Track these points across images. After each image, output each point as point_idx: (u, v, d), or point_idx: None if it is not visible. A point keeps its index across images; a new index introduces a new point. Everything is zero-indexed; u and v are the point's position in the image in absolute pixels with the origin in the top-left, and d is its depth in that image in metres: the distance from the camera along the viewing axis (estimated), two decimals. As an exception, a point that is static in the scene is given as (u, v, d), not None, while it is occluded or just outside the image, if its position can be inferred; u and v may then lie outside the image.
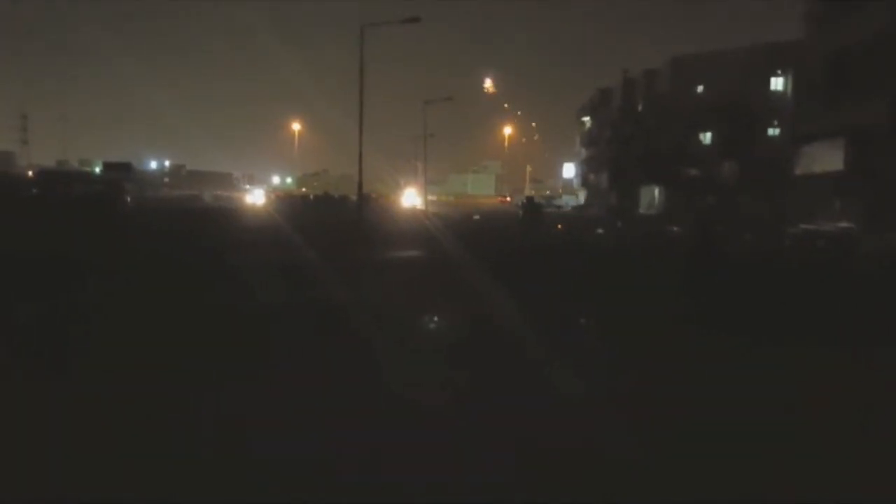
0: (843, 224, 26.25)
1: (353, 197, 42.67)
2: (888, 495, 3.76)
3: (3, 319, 7.55)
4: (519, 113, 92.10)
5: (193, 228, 25.94)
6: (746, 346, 7.11)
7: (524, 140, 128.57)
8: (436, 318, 8.53)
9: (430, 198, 62.72)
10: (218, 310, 8.67)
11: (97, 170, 62.25)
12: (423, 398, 5.11)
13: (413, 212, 52.56)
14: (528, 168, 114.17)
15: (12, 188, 37.12)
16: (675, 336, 7.66)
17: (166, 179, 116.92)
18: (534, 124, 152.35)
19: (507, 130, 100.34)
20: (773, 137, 45.52)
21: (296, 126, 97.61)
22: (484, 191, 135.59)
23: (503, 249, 20.09)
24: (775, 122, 45.55)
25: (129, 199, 39.56)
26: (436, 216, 42.52)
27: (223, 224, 29.73)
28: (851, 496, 3.71)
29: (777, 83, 47.35)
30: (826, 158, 30.68)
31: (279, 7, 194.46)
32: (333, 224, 29.86)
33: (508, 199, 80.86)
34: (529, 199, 35.83)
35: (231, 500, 3.52)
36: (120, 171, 49.74)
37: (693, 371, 6.20)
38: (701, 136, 49.92)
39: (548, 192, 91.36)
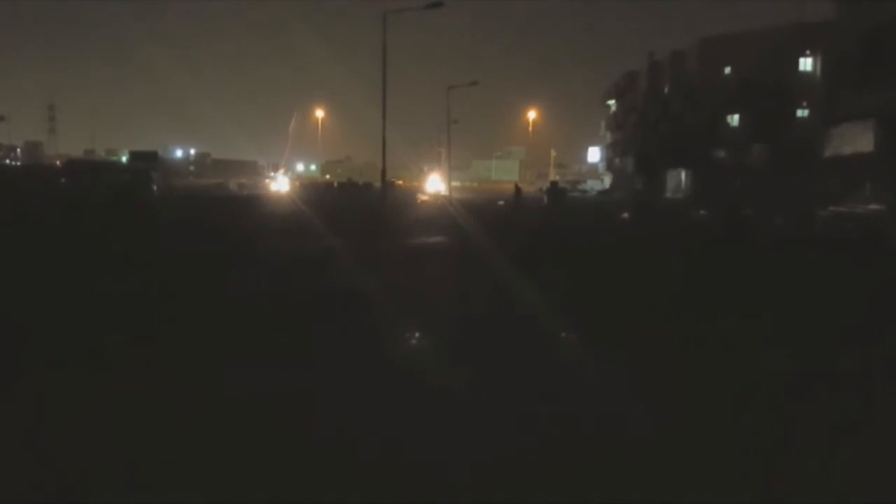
0: (874, 206, 25.80)
1: (378, 184, 42.70)
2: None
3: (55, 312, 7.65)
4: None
5: (219, 217, 26.14)
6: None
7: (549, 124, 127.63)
8: (453, 312, 8.49)
9: (453, 184, 62.57)
10: (250, 299, 8.73)
11: (123, 159, 62.99)
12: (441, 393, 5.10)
13: (437, 198, 52.51)
14: (553, 152, 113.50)
15: (41, 178, 37.73)
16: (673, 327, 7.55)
17: (192, 168, 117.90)
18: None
19: (532, 115, 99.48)
20: (802, 119, 44.77)
21: (319, 113, 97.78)
22: (508, 176, 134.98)
23: (527, 237, 20.00)
24: (805, 104, 44.79)
25: (155, 187, 40.05)
26: (459, 202, 42.45)
27: (248, 212, 29.94)
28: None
29: (806, 64, 46.55)
30: (856, 140, 30.18)
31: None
32: (357, 211, 29.94)
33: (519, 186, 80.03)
34: (553, 184, 35.73)
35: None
36: (146, 161, 50.34)
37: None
38: (729, 118, 49.25)
39: (569, 178, 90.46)
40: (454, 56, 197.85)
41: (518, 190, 34.88)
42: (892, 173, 27.23)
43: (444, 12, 34.66)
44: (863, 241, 18.46)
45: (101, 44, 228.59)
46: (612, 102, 79.23)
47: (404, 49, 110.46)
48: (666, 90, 58.16)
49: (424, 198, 51.88)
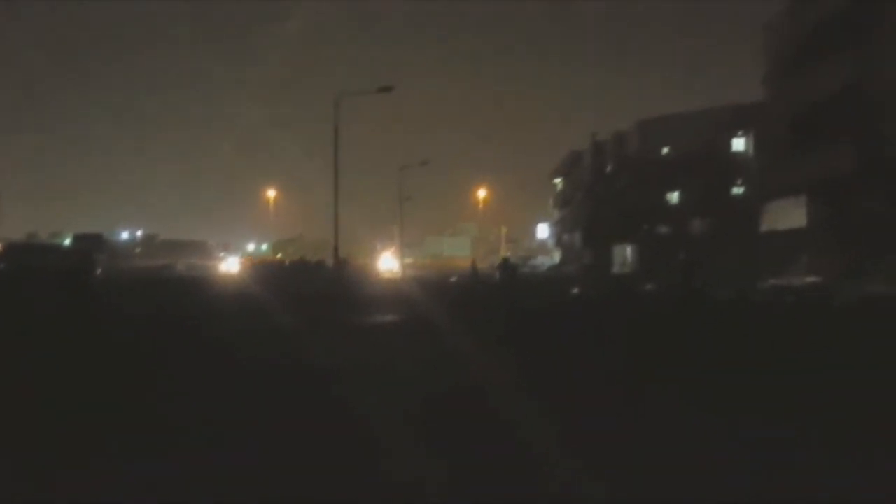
0: (811, 278, 26.88)
1: (330, 262, 42.75)
2: None
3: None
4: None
5: (166, 299, 25.83)
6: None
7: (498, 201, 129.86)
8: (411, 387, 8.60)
9: (406, 261, 62.94)
10: (192, 379, 8.71)
11: (67, 242, 61.82)
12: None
13: (390, 275, 52.70)
14: (503, 229, 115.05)
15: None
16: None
17: (138, 249, 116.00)
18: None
19: (482, 193, 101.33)
20: (738, 195, 46.64)
21: (271, 193, 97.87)
22: (461, 252, 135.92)
23: (481, 312, 20.25)
24: (740, 181, 46.75)
25: (99, 270, 39.34)
26: (413, 280, 42.67)
27: (196, 293, 29.64)
28: None
29: (740, 143, 48.76)
30: (790, 215, 31.57)
31: (254, 74, 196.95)
32: (309, 290, 29.88)
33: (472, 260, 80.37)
34: (505, 260, 36.20)
35: None
36: (90, 243, 49.46)
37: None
38: (669, 194, 51.01)
39: (520, 253, 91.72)
40: (406, 136, 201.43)
41: (475, 266, 35.64)
42: (825, 247, 28.52)
43: (394, 95, 35.69)
44: (802, 312, 19.21)
45: (46, 123, 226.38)
46: (558, 180, 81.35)
47: (357, 129, 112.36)
48: (609, 168, 60.13)
49: (385, 273, 52.18)
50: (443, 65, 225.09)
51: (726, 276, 26.44)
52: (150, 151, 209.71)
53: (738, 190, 47.07)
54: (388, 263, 65.48)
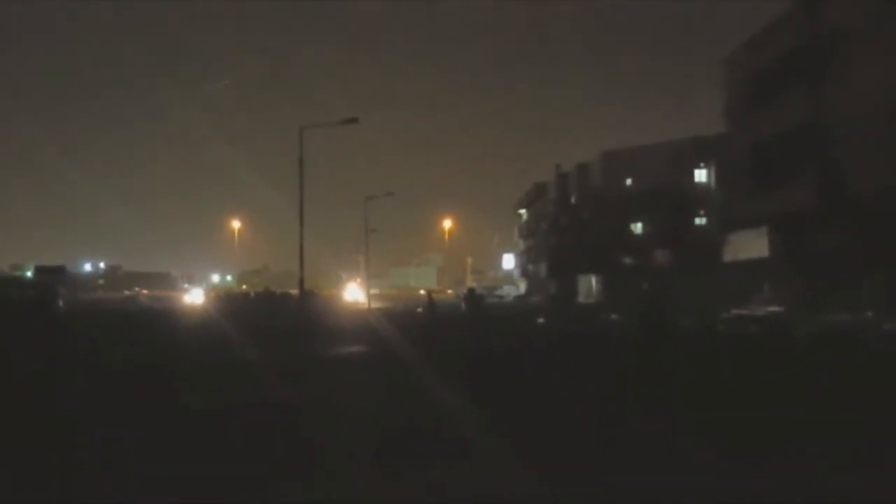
0: (773, 308, 27.29)
1: (295, 293, 42.35)
2: None
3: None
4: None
5: (128, 330, 25.38)
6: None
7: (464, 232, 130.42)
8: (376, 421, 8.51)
9: (372, 291, 62.70)
10: (152, 417, 8.52)
11: (28, 274, 60.73)
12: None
13: (356, 306, 52.39)
14: (469, 260, 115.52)
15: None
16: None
17: (101, 281, 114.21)
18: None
19: (447, 224, 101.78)
20: (701, 226, 47.37)
21: (236, 224, 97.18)
22: (427, 283, 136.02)
23: (447, 344, 20.17)
24: (702, 212, 47.51)
25: (61, 303, 38.66)
26: (379, 311, 42.45)
27: (158, 325, 29.16)
28: None
29: (702, 175, 49.63)
30: (752, 245, 32.09)
31: (219, 106, 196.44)
32: (275, 322, 29.56)
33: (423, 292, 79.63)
34: (471, 290, 36.21)
35: None
36: (52, 275, 48.74)
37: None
38: (633, 225, 51.62)
39: (486, 284, 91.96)
40: (371, 167, 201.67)
41: (430, 297, 34.56)
42: (786, 277, 29.02)
43: (359, 126, 35.73)
44: (766, 340, 19.48)
45: (6, 157, 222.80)
46: (523, 211, 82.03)
47: (321, 160, 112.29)
48: (573, 200, 60.79)
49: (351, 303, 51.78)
50: (408, 97, 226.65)
51: (690, 306, 26.74)
52: (112, 184, 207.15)
53: (700, 221, 47.81)
54: (353, 294, 65.16)
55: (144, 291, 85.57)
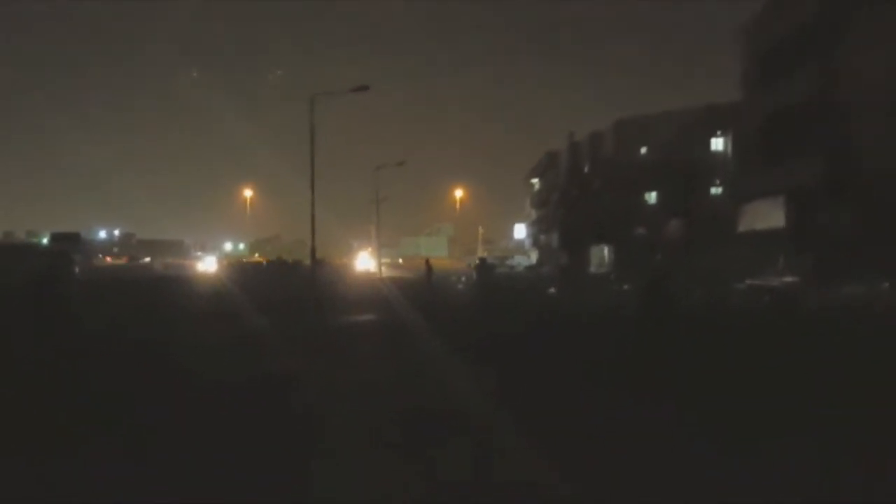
0: (789, 279, 27.06)
1: (307, 262, 42.49)
2: None
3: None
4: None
5: (144, 298, 25.53)
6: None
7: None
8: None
9: (383, 260, 62.84)
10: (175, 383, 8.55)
11: (44, 241, 61.13)
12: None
13: (367, 275, 52.53)
14: (481, 230, 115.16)
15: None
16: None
17: (116, 249, 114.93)
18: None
19: (459, 193, 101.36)
20: (716, 196, 46.89)
21: (248, 192, 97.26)
22: (437, 253, 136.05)
23: (459, 313, 20.17)
24: (717, 182, 47.00)
25: (77, 269, 38.84)
26: (390, 279, 42.51)
27: (173, 293, 29.32)
28: None
29: (717, 143, 49.04)
30: (768, 216, 31.71)
31: (231, 74, 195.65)
32: (287, 290, 29.66)
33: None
34: (482, 260, 36.14)
35: None
36: (68, 242, 48.92)
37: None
38: (646, 195, 51.19)
39: (497, 254, 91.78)
40: (382, 135, 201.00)
41: (429, 265, 34.17)
42: (802, 247, 28.73)
43: (371, 94, 35.50)
44: (779, 312, 19.31)
45: (22, 124, 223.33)
46: (535, 181, 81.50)
47: (332, 129, 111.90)
48: (586, 169, 60.28)
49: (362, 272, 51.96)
50: (420, 66, 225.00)
51: (702, 277, 26.57)
52: (126, 152, 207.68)
53: (716, 190, 47.34)
54: (365, 263, 65.36)
55: (168, 261, 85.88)
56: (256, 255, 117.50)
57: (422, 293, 28.62)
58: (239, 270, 59.59)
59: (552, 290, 31.26)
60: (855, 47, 25.69)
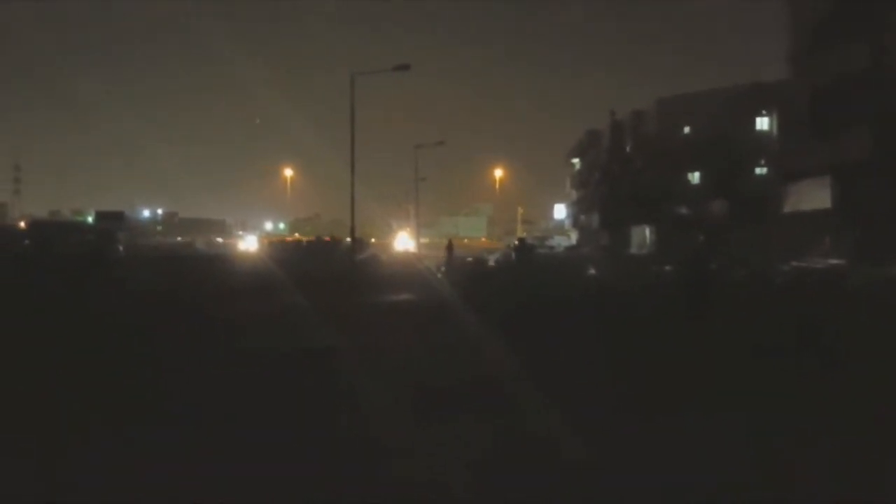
0: (834, 261, 26.52)
1: (347, 240, 42.83)
2: None
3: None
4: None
5: (188, 276, 25.98)
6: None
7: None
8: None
9: (422, 240, 63.06)
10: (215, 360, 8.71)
11: (90, 219, 62.40)
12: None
13: (406, 255, 52.76)
14: (520, 210, 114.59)
15: (3, 239, 37.15)
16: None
17: (159, 227, 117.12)
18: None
19: (498, 172, 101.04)
20: (760, 176, 45.97)
21: (288, 172, 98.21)
22: (475, 233, 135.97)
23: (498, 293, 20.14)
24: (762, 161, 46.06)
25: (121, 248, 39.70)
26: (428, 259, 42.62)
27: (217, 271, 29.79)
28: None
29: (763, 122, 48.02)
30: (814, 196, 31.07)
31: (271, 54, 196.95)
32: (327, 269, 29.95)
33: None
34: (521, 240, 36.10)
35: None
36: (112, 221, 49.93)
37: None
38: (689, 175, 50.36)
39: (536, 234, 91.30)
40: (422, 115, 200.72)
41: (450, 245, 33.82)
42: (849, 229, 28.09)
43: (411, 73, 35.44)
44: (824, 294, 18.87)
45: (67, 103, 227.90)
46: (576, 160, 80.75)
47: (372, 108, 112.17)
48: (627, 148, 59.49)
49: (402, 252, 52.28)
50: (459, 45, 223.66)
51: (745, 258, 26.14)
52: (168, 130, 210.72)
53: (760, 170, 46.39)
54: (404, 243, 65.70)
55: (219, 239, 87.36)
56: (296, 234, 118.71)
57: (459, 273, 28.61)
58: (279, 249, 60.22)
59: (592, 270, 31.03)
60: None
